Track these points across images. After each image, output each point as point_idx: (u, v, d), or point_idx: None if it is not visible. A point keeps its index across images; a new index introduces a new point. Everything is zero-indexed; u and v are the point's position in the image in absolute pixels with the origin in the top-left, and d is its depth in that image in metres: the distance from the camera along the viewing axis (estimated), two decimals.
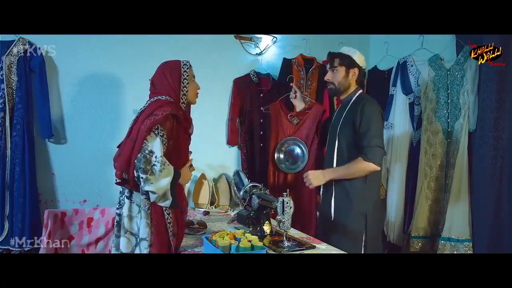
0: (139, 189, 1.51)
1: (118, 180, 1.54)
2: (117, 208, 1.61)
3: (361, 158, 1.86)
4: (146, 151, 1.46)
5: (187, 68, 1.68)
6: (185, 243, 1.80)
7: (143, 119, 1.52)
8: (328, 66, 2.06)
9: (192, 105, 1.73)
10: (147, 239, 1.53)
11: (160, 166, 1.47)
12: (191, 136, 1.80)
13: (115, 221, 1.61)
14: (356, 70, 2.00)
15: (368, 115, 1.88)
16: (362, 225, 1.92)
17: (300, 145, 2.50)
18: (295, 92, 2.41)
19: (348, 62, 1.99)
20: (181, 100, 1.66)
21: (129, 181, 1.52)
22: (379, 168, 1.88)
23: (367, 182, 1.93)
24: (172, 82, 1.64)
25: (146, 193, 1.51)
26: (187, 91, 1.67)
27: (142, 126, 1.49)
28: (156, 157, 1.47)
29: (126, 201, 1.57)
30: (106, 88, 2.46)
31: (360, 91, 2.04)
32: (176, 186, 1.54)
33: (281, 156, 2.57)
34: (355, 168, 1.89)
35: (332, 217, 1.99)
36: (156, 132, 1.50)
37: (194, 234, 1.95)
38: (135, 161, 1.46)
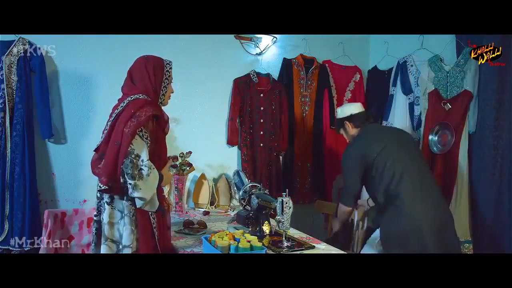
0: (123, 194, 1.45)
1: (104, 187, 1.46)
2: (95, 215, 1.53)
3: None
4: (133, 155, 1.40)
5: (170, 68, 1.61)
6: (184, 243, 1.80)
7: (124, 121, 1.43)
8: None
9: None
10: (130, 246, 1.46)
11: (148, 170, 1.41)
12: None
13: (93, 228, 1.54)
14: (347, 122, 2.19)
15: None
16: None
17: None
18: None
19: (339, 123, 2.24)
20: (159, 100, 1.59)
21: (114, 188, 1.45)
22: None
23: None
24: (154, 80, 1.56)
25: (132, 199, 1.44)
26: (166, 91, 1.61)
27: (126, 129, 1.41)
28: (142, 160, 1.41)
29: (107, 207, 1.48)
30: (106, 88, 2.46)
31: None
32: (159, 189, 1.49)
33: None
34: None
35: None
36: (141, 134, 1.44)
37: (194, 234, 1.95)
38: (122, 166, 1.40)
